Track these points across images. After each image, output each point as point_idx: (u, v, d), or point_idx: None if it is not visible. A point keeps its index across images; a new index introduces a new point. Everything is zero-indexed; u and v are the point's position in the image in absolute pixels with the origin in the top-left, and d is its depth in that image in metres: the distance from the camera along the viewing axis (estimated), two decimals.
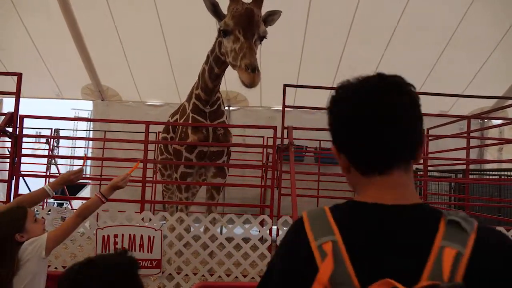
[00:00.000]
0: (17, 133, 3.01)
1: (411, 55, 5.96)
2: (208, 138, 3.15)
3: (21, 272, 1.62)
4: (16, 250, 1.63)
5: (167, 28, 5.86)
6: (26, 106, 7.22)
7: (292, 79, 6.52)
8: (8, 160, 3.14)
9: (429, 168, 5.68)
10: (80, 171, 2.17)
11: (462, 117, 4.15)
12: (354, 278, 0.68)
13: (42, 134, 7.29)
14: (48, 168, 6.87)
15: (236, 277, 3.01)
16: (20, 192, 3.02)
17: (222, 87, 6.66)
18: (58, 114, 8.61)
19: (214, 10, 2.59)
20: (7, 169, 3.01)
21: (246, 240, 3.04)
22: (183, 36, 5.97)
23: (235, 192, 6.89)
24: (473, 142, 3.81)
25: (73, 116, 9.18)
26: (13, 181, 3.01)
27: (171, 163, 3.42)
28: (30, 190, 6.92)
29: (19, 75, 3.06)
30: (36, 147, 6.76)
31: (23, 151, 6.24)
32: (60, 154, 7.13)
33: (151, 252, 2.95)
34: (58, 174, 6.58)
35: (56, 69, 6.60)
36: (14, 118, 3.02)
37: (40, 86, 6.88)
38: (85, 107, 7.46)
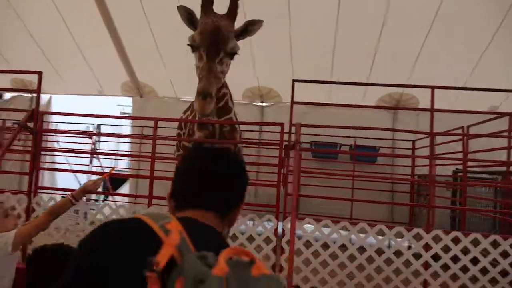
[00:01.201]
0: (37, 128, 3.16)
1: (453, 47, 5.49)
2: (214, 135, 3.10)
3: None
4: None
5: None
6: (71, 103, 7.72)
7: (325, 74, 6.34)
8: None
9: (472, 169, 5.22)
10: (98, 182, 2.25)
11: (501, 114, 3.72)
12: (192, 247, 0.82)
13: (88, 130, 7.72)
14: (91, 161, 7.28)
15: None
16: (44, 184, 3.21)
17: (254, 83, 6.78)
18: (104, 110, 9.09)
19: (190, 19, 2.46)
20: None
21: (250, 239, 2.97)
22: None
23: (262, 191, 6.85)
24: None
25: (118, 113, 9.64)
26: (34, 175, 3.17)
27: (174, 160, 3.42)
28: (80, 184, 7.40)
29: (40, 74, 3.23)
30: (78, 141, 7.15)
31: (70, 145, 6.68)
32: (102, 149, 7.48)
33: None
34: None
35: (97, 67, 6.92)
36: (34, 115, 3.17)
37: (84, 83, 7.28)
38: (130, 103, 7.73)
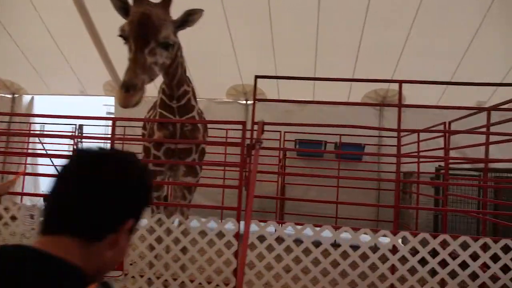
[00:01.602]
0: None
1: (439, 41, 5.34)
2: (175, 135, 2.98)
3: None
4: None
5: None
6: (55, 104, 7.60)
7: (309, 71, 6.22)
8: None
9: (459, 166, 5.08)
10: (9, 183, 2.13)
11: (480, 109, 3.58)
12: None
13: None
14: None
15: (200, 283, 2.83)
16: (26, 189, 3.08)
17: (237, 80, 6.65)
18: (88, 111, 8.97)
19: (124, 9, 2.29)
20: None
21: (212, 244, 2.84)
22: (194, 27, 5.85)
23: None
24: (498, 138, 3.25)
25: (104, 113, 9.53)
26: None
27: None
28: None
29: None
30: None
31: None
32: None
33: None
34: None
35: (79, 67, 6.80)
36: None
37: (65, 84, 7.17)
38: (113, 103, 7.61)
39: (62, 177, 0.83)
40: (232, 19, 5.63)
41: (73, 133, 7.02)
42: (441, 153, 4.24)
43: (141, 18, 2.14)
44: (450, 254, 2.66)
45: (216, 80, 6.67)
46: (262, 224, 2.76)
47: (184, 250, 2.86)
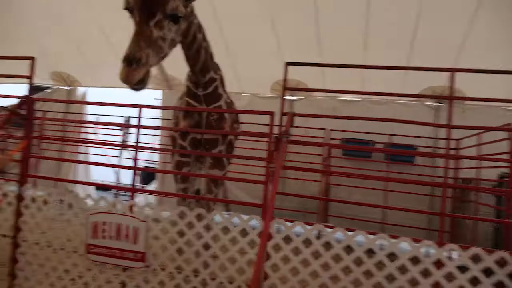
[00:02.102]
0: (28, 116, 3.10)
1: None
2: (201, 124, 2.84)
3: None
4: None
5: (221, 14, 5.69)
6: (109, 96, 7.87)
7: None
8: None
9: None
10: (8, 156, 2.08)
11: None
12: None
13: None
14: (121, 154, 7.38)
15: (221, 282, 2.67)
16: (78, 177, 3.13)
17: (279, 75, 6.42)
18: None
19: None
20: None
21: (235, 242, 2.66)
22: (239, 22, 5.74)
23: (295, 188, 6.49)
24: None
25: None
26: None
27: (160, 152, 3.20)
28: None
29: (32, 59, 3.15)
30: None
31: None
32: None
33: (135, 244, 2.80)
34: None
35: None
36: (27, 102, 3.11)
37: (116, 77, 7.37)
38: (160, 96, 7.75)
39: None
40: (277, 14, 5.44)
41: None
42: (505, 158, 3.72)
43: None
44: (510, 275, 2.25)
45: (260, 75, 6.49)
46: (288, 224, 2.53)
47: (206, 245, 2.72)
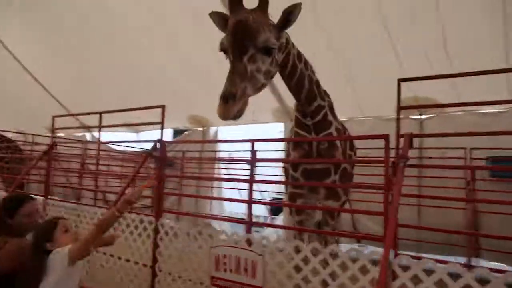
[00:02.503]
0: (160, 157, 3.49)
1: None
2: (311, 154, 2.75)
3: (49, 277, 1.83)
4: (45, 258, 1.87)
5: (336, 39, 5.62)
6: (235, 133, 8.45)
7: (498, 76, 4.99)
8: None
9: None
10: (137, 192, 2.30)
11: None
12: None
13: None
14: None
15: None
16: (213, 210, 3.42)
17: (407, 92, 5.90)
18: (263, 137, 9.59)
19: (225, 24, 2.15)
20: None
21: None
22: (355, 42, 5.58)
23: (434, 217, 5.77)
24: None
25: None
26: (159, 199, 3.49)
27: (272, 183, 3.17)
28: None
29: (162, 107, 3.57)
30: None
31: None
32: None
33: (254, 278, 2.80)
34: None
35: (250, 98, 7.39)
36: (160, 144, 3.53)
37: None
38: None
39: None
40: (394, 29, 5.11)
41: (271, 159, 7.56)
42: None
43: (237, 26, 2.03)
44: None
45: (382, 95, 6.11)
46: (414, 261, 2.19)
47: (325, 282, 2.55)
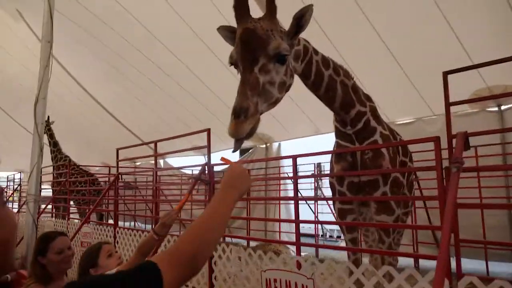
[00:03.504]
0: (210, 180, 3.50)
1: None
2: (356, 166, 2.51)
3: None
4: None
5: (389, 38, 5.25)
6: (297, 147, 8.28)
7: None
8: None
9: None
10: (171, 213, 2.25)
11: None
12: None
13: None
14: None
15: None
16: None
17: (480, 83, 5.24)
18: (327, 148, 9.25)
19: (233, 38, 1.98)
20: None
21: None
22: (410, 43, 5.15)
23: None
24: None
25: None
26: None
27: (318, 199, 2.94)
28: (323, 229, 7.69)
29: (208, 131, 3.59)
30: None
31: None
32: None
33: None
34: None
35: (309, 108, 7.20)
36: (208, 168, 3.54)
37: (302, 127, 7.73)
38: None
39: None
40: (453, 14, 4.61)
41: (313, 172, 7.35)
42: None
43: (245, 35, 1.85)
44: None
45: (453, 89, 5.51)
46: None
47: None
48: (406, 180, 2.74)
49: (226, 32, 2.06)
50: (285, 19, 2.10)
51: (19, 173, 12.13)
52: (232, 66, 1.97)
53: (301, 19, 1.94)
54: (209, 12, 5.84)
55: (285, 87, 1.94)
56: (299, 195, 6.86)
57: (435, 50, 5.12)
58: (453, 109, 5.80)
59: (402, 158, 2.80)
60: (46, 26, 3.85)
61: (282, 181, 8.03)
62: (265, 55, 1.82)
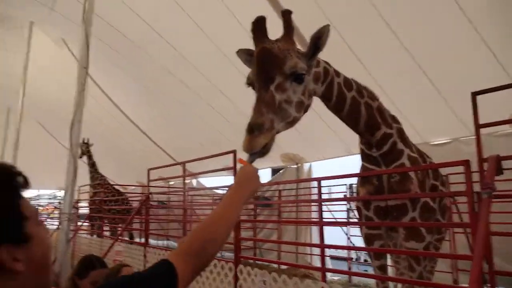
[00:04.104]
0: None
1: None
2: (382, 190, 2.42)
3: None
4: None
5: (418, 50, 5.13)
6: (327, 167, 8.15)
7: None
8: None
9: None
10: None
11: None
12: None
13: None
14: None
15: None
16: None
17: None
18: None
19: (252, 60, 1.96)
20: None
21: None
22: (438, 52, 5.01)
23: None
24: None
25: None
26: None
27: (345, 224, 2.85)
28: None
29: (234, 152, 3.61)
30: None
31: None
32: None
33: None
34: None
35: (340, 129, 7.09)
36: None
37: (333, 147, 7.62)
38: None
39: None
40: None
41: (345, 194, 7.18)
42: None
43: (261, 54, 1.85)
44: None
45: (491, 107, 5.27)
46: None
47: None
48: (438, 205, 2.61)
49: (245, 55, 2.08)
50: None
51: (61, 191, 12.70)
52: (250, 87, 1.97)
53: (319, 40, 1.93)
54: (240, 36, 5.97)
55: (303, 107, 1.92)
56: (331, 217, 6.71)
57: (470, 69, 4.95)
58: (491, 129, 5.54)
59: (433, 181, 2.67)
60: (83, 52, 4.08)
61: (313, 204, 7.89)
62: (281, 73, 1.81)
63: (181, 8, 6.10)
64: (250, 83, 1.93)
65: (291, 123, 1.87)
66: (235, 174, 3.75)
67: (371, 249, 2.56)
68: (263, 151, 1.61)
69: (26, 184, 0.77)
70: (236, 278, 3.36)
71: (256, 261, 7.04)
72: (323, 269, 2.67)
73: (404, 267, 2.74)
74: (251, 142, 1.57)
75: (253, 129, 1.59)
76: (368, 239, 2.57)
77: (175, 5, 6.08)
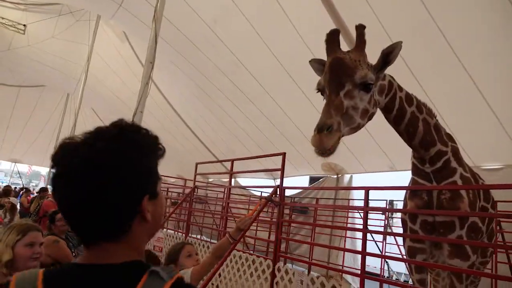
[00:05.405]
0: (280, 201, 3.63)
1: None
2: (431, 205, 2.46)
3: None
4: None
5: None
6: (369, 180, 8.09)
7: None
8: None
9: None
10: (245, 218, 2.43)
11: None
12: None
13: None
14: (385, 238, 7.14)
15: None
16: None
17: None
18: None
19: (323, 70, 2.13)
20: None
21: None
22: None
23: None
24: None
25: None
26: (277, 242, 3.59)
27: (389, 234, 2.88)
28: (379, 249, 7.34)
29: (283, 154, 3.75)
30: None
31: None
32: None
33: None
34: None
35: (386, 145, 7.05)
36: (279, 190, 3.68)
37: (377, 161, 7.55)
38: None
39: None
40: None
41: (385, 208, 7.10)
42: None
43: (334, 63, 2.01)
44: None
45: None
46: None
47: None
48: (486, 227, 2.61)
49: (317, 64, 2.25)
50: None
51: None
52: (319, 93, 2.13)
53: (390, 54, 2.06)
54: (296, 45, 6.12)
55: (368, 114, 2.05)
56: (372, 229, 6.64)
57: None
58: None
59: (483, 203, 2.67)
60: (151, 49, 4.39)
61: (350, 215, 7.86)
62: (351, 81, 1.97)
63: (241, 13, 6.34)
64: (320, 88, 2.09)
65: (355, 128, 2.01)
66: (282, 176, 3.86)
67: (415, 261, 2.60)
68: (330, 151, 1.78)
69: (164, 152, 0.93)
70: (273, 275, 3.48)
71: (291, 265, 7.10)
72: (362, 276, 2.73)
73: (444, 285, 2.76)
74: (322, 140, 1.76)
75: (322, 128, 1.76)
76: (411, 251, 2.61)
77: (236, 9, 6.33)
